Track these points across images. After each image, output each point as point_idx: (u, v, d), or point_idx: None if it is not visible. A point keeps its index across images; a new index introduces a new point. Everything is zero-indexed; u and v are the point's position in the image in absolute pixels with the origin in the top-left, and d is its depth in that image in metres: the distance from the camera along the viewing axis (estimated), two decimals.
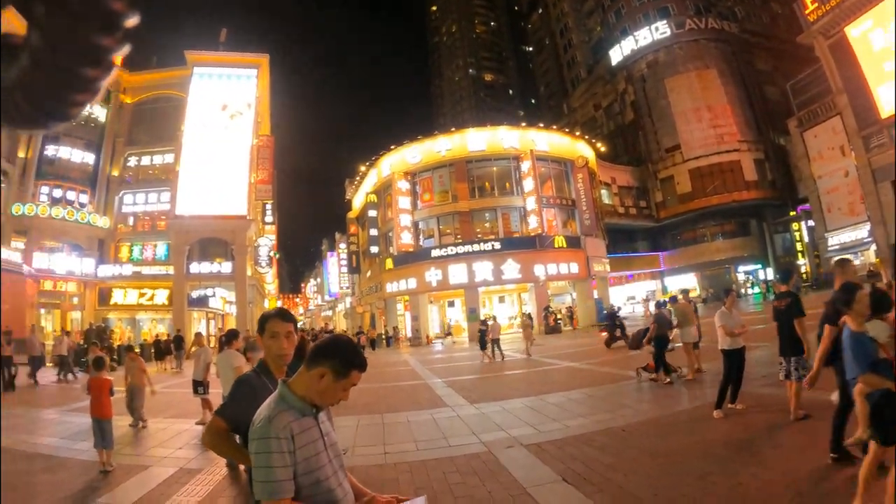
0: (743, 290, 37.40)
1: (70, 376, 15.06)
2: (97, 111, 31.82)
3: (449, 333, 30.17)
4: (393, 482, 4.63)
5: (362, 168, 37.69)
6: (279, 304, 55.23)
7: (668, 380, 8.56)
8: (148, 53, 35.35)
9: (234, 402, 2.06)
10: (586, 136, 36.41)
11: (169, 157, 31.92)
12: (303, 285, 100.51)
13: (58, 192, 29.84)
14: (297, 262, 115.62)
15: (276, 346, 2.09)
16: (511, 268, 27.84)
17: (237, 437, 2.07)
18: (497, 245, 28.41)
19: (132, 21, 0.53)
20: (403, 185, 30.95)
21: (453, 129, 35.28)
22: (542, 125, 35.59)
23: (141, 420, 7.89)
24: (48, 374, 15.54)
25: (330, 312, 65.60)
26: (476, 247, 28.43)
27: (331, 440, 1.62)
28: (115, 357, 18.57)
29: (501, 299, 32.62)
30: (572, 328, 28.91)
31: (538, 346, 17.28)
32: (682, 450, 4.91)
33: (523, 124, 35.08)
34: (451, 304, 32.13)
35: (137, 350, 9.65)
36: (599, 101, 49.34)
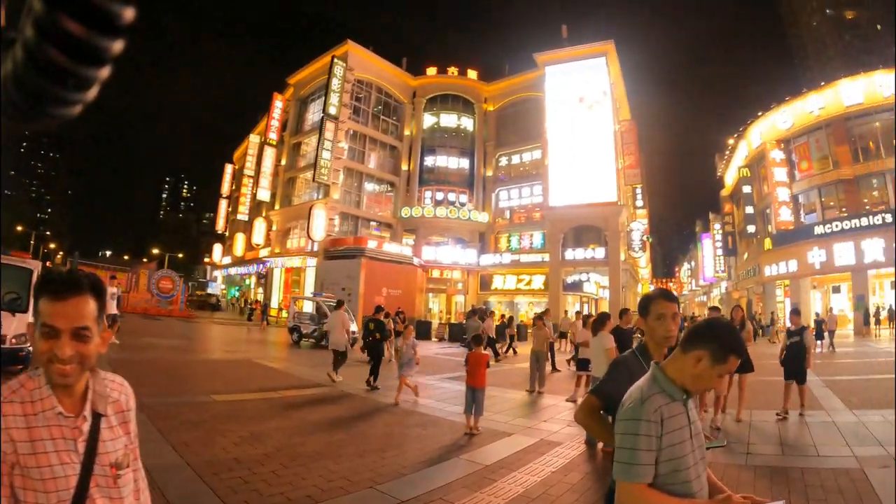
0: None
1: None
2: (465, 122, 37.76)
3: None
4: (748, 486, 4.35)
5: (730, 141, 35.75)
6: (651, 287, 52.44)
7: None
8: (500, 64, 40.03)
9: (610, 382, 2.02)
10: None
11: (536, 154, 34.03)
12: (676, 269, 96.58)
13: (440, 195, 35.82)
14: (670, 246, 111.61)
15: (662, 327, 2.02)
16: None
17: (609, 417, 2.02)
18: (888, 217, 22.66)
19: (129, 19, 0.53)
20: (777, 154, 28.46)
21: (822, 83, 28.99)
22: None
23: (539, 388, 8.94)
24: (434, 347, 18.27)
25: (704, 298, 62.14)
26: (864, 221, 23.84)
27: (696, 429, 1.52)
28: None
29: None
30: None
31: None
32: None
33: None
34: (837, 289, 27.60)
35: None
36: None
